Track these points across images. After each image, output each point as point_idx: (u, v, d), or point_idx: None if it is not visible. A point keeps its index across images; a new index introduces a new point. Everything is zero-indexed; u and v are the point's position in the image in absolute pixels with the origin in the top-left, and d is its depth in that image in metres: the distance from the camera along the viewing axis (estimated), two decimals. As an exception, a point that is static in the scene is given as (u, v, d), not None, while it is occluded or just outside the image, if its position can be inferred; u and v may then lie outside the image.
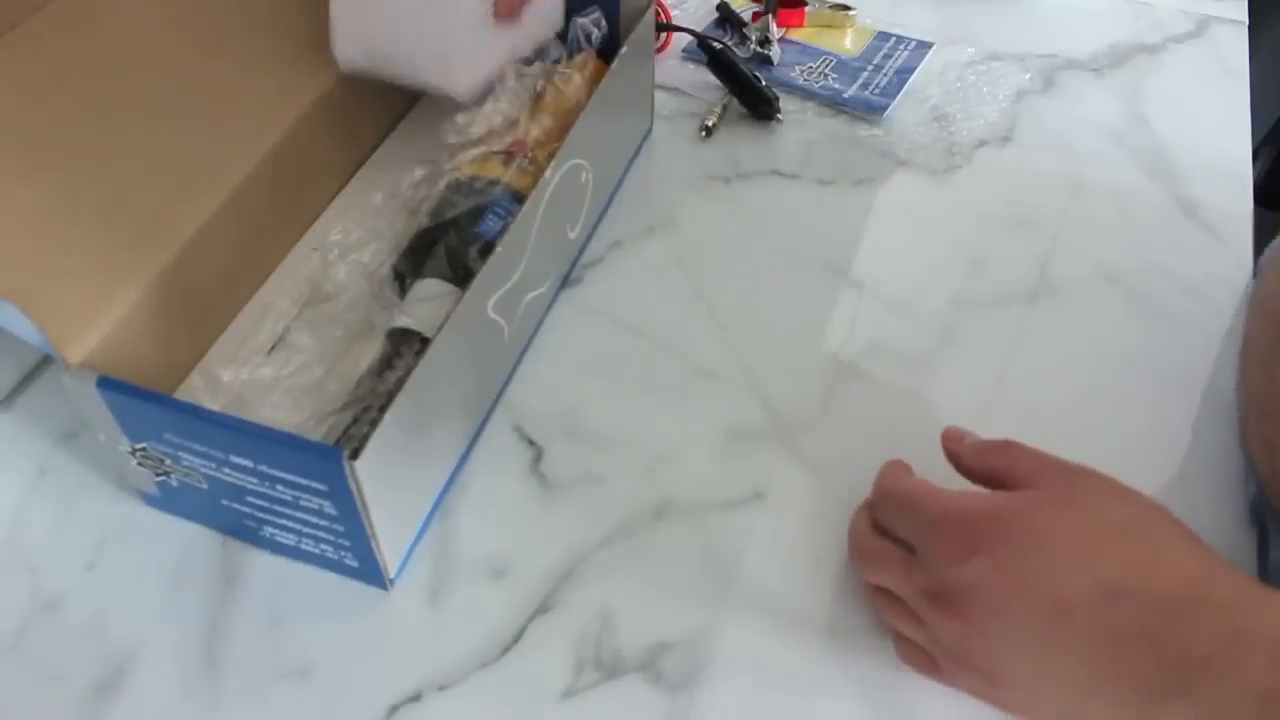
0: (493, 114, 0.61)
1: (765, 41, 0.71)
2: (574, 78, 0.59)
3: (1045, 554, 0.34)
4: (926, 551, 0.37)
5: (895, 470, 0.43)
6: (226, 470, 0.41)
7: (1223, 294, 0.56)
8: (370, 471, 0.38)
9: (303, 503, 0.41)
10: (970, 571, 0.35)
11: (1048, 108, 0.69)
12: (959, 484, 0.42)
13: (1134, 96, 0.70)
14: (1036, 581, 0.34)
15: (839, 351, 0.54)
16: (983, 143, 0.66)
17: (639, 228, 0.60)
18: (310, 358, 0.50)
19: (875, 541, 0.41)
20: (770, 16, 0.72)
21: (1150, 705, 0.32)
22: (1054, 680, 0.34)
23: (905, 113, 0.68)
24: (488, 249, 0.46)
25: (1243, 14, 0.77)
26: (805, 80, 0.70)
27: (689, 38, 0.70)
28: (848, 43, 0.73)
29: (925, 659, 0.39)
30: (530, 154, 0.55)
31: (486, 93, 0.52)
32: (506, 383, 0.52)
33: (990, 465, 0.41)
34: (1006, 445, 0.41)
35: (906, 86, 0.69)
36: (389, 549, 0.42)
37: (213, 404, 0.46)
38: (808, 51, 0.72)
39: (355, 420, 0.46)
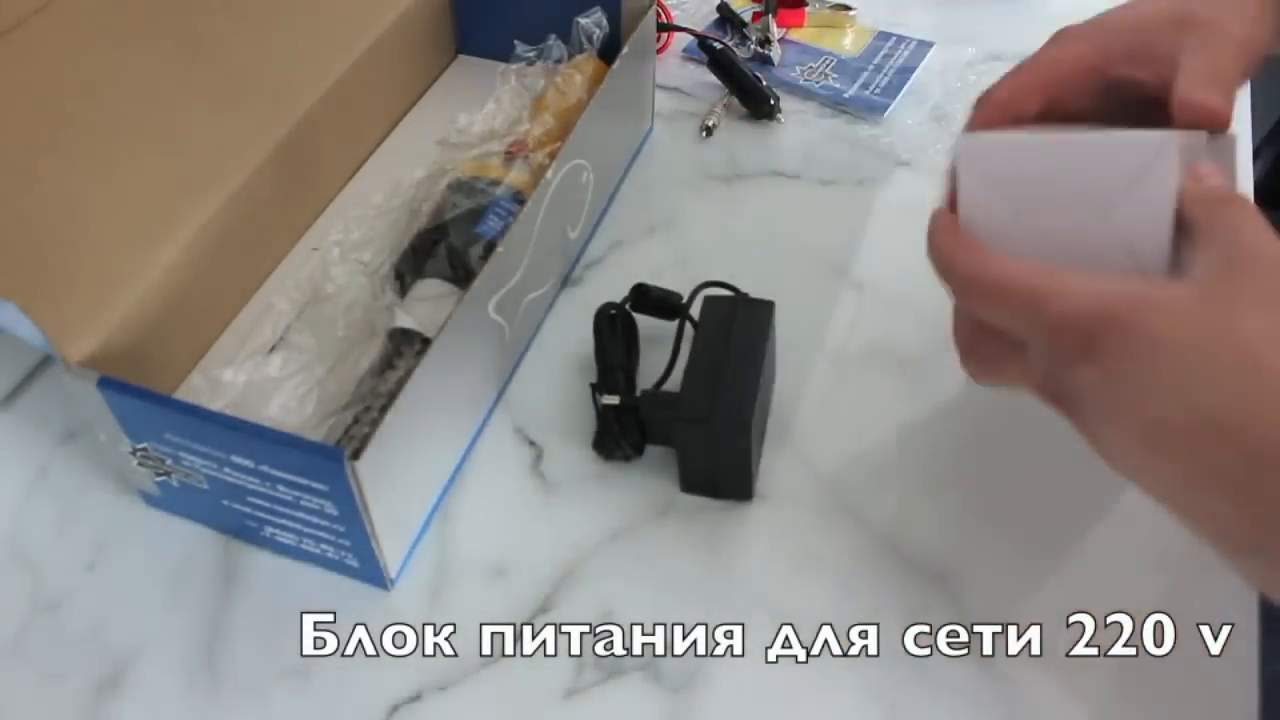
0: (493, 114, 0.61)
1: (765, 41, 0.71)
2: (575, 78, 0.60)
3: (1152, 374, 0.32)
4: (1036, 351, 0.35)
5: (953, 245, 0.39)
6: (227, 470, 0.41)
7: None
8: (370, 471, 0.38)
9: (303, 503, 0.41)
10: (1079, 378, 0.33)
11: (1048, 108, 0.69)
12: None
13: (1134, 97, 0.69)
14: (1138, 403, 0.32)
15: (839, 351, 0.54)
16: (983, 143, 0.66)
17: (639, 228, 0.60)
18: (310, 358, 0.50)
19: (986, 343, 0.39)
20: (770, 16, 0.72)
21: (1235, 554, 0.32)
22: (1150, 486, 0.34)
23: (906, 113, 0.68)
24: (488, 249, 0.46)
25: (1243, 14, 0.77)
26: (805, 80, 0.70)
27: (689, 38, 0.70)
28: (848, 43, 0.73)
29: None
30: (530, 154, 0.55)
31: None
32: (506, 383, 0.52)
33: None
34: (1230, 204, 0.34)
35: (907, 86, 0.69)
36: (389, 549, 0.42)
37: (213, 404, 0.46)
38: (808, 51, 0.72)
39: (356, 420, 0.46)
